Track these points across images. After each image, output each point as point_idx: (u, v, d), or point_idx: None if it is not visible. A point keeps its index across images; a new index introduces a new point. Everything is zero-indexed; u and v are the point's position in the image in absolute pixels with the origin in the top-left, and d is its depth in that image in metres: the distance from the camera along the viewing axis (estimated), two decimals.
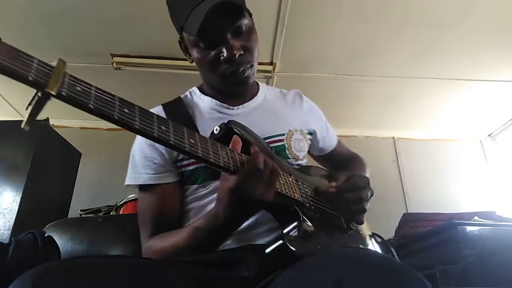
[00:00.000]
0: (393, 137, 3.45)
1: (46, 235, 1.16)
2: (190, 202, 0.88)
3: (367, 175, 1.09)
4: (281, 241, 0.68)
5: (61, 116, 3.07)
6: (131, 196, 2.32)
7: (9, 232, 1.82)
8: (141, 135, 0.54)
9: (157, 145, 0.85)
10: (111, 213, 2.43)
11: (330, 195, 0.86)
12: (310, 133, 1.03)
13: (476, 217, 2.11)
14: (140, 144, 0.89)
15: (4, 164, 1.99)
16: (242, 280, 0.71)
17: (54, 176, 2.29)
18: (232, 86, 0.90)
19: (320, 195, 0.87)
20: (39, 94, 0.45)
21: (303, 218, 0.76)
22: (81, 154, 2.61)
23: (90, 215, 2.54)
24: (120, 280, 0.52)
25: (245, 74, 0.87)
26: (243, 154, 0.67)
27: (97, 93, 0.49)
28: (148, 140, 0.85)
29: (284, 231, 0.75)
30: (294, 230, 0.74)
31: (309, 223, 0.76)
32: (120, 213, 2.31)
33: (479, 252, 1.70)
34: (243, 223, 0.73)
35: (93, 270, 0.52)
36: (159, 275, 0.58)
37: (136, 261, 0.62)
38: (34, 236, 1.10)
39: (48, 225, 1.47)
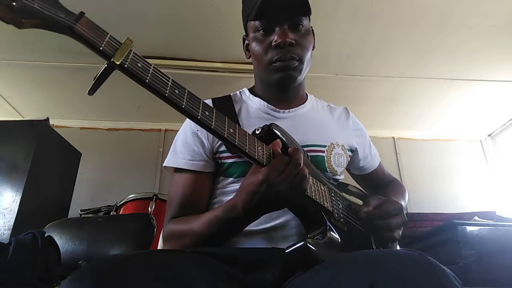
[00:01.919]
0: (393, 137, 3.45)
1: (46, 235, 1.16)
2: (220, 194, 0.89)
3: (406, 201, 1.07)
4: (302, 242, 0.68)
5: (61, 116, 3.07)
6: (131, 196, 2.32)
7: (9, 232, 1.82)
8: (185, 115, 0.59)
9: (200, 134, 0.89)
10: (111, 213, 2.43)
11: (361, 219, 0.85)
12: (351, 150, 1.02)
13: (476, 217, 2.12)
14: (184, 131, 0.93)
15: (4, 164, 1.99)
16: (266, 283, 0.71)
17: (54, 176, 2.29)
18: (277, 75, 0.90)
19: (352, 212, 0.86)
20: (106, 64, 0.52)
21: (329, 226, 0.75)
22: (81, 154, 2.61)
23: (90, 215, 2.54)
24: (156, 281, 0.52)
25: (292, 65, 0.89)
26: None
27: (154, 72, 0.56)
28: (192, 128, 0.89)
29: (308, 236, 0.76)
30: (319, 236, 0.74)
31: (335, 233, 0.75)
32: (120, 213, 2.31)
33: (479, 252, 1.70)
34: (259, 217, 0.74)
35: (147, 268, 0.52)
36: (186, 275, 0.57)
37: (170, 258, 0.61)
38: (34, 236, 1.10)
39: (48, 225, 1.47)
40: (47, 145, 2.19)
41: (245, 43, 1.01)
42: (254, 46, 0.92)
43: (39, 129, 2.13)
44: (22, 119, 2.97)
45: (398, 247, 0.94)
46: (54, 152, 2.29)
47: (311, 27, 0.97)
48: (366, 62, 2.56)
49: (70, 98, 2.87)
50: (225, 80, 2.63)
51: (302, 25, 0.90)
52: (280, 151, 0.69)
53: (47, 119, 2.23)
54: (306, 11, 0.90)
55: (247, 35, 0.98)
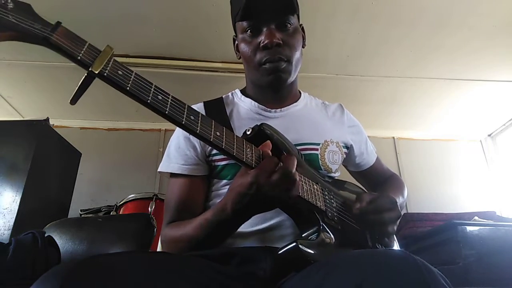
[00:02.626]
0: (393, 137, 3.45)
1: (46, 235, 1.16)
2: (214, 196, 0.89)
3: (404, 196, 1.06)
4: (294, 243, 0.68)
5: (61, 116, 3.07)
6: (131, 196, 2.32)
7: (9, 232, 1.82)
8: (170, 121, 0.58)
9: (192, 138, 0.89)
10: (111, 213, 2.43)
11: (355, 216, 0.85)
12: (347, 147, 1.01)
13: (476, 217, 2.12)
14: (177, 135, 0.94)
15: (4, 164, 1.99)
16: (257, 280, 0.71)
17: (54, 176, 2.29)
18: (267, 77, 0.90)
19: (346, 210, 0.86)
20: (85, 73, 0.51)
21: (323, 226, 0.75)
22: (81, 154, 2.61)
23: (90, 215, 2.54)
24: (142, 281, 0.52)
25: (281, 67, 0.88)
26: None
27: (136, 79, 0.55)
28: (184, 132, 0.88)
29: (302, 235, 0.75)
30: (312, 236, 0.73)
31: (329, 232, 0.75)
32: (120, 213, 2.31)
33: (479, 252, 1.70)
34: (249, 218, 0.73)
35: (118, 270, 0.51)
36: (177, 275, 0.57)
37: (156, 259, 0.61)
38: (34, 236, 1.10)
39: (48, 225, 1.47)
40: (47, 145, 2.19)
41: (235, 44, 1.00)
42: (243, 47, 0.92)
43: (39, 129, 2.13)
44: (22, 119, 2.97)
45: (396, 242, 0.94)
46: (54, 152, 2.29)
47: (301, 24, 0.96)
48: (366, 62, 2.56)
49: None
50: (225, 80, 2.63)
51: (290, 24, 0.89)
52: (269, 152, 0.69)
53: (47, 119, 2.23)
54: (293, 9, 0.90)
55: (236, 35, 0.98)
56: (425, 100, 2.98)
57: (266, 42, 0.86)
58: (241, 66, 2.75)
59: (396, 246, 0.94)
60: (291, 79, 0.94)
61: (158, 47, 2.40)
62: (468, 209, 2.62)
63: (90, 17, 2.09)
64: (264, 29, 0.87)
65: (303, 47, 0.96)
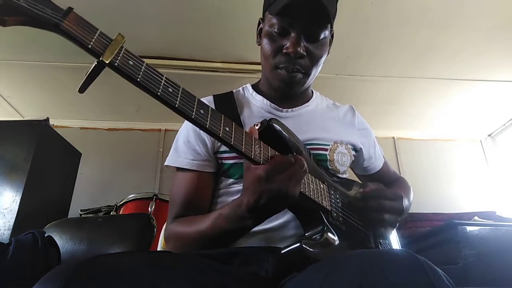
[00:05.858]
0: (393, 137, 3.45)
1: (46, 235, 1.16)
2: (221, 195, 0.88)
3: (410, 199, 1.05)
4: (298, 244, 0.67)
5: (61, 116, 3.07)
6: (131, 196, 2.32)
7: (9, 232, 1.82)
8: (179, 114, 0.57)
9: (202, 133, 0.86)
10: (111, 213, 2.43)
11: (356, 201, 0.84)
12: (356, 150, 0.99)
13: (476, 217, 2.12)
14: (186, 128, 0.91)
15: (4, 164, 1.99)
16: (259, 280, 0.71)
17: (54, 176, 2.29)
18: (279, 82, 0.89)
19: (351, 208, 0.85)
20: (96, 62, 0.51)
21: (327, 226, 0.74)
22: (81, 154, 2.61)
23: (90, 215, 2.54)
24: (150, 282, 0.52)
25: (295, 78, 0.87)
26: (275, 151, 0.68)
27: (146, 70, 0.54)
28: (194, 126, 0.87)
29: (306, 235, 0.75)
30: (316, 236, 0.73)
31: (333, 233, 0.74)
32: (120, 213, 2.31)
33: (479, 252, 1.70)
34: (264, 219, 0.72)
35: (120, 270, 0.51)
36: (179, 274, 0.57)
37: (158, 259, 0.61)
38: (34, 236, 1.11)
39: (48, 225, 1.47)
40: (47, 145, 2.19)
41: (259, 27, 0.95)
42: (265, 42, 0.88)
43: (39, 129, 2.13)
44: (22, 119, 2.97)
45: (398, 243, 0.94)
46: (54, 152, 2.29)
47: (332, 31, 0.91)
48: (366, 62, 2.56)
49: (70, 98, 2.87)
50: (225, 80, 2.63)
51: (320, 36, 0.85)
52: (275, 151, 0.68)
53: (47, 119, 2.23)
54: (327, 21, 0.85)
55: (263, 19, 0.93)
56: (425, 100, 2.98)
57: (289, 50, 0.83)
58: (241, 66, 2.74)
59: (397, 246, 0.94)
60: (303, 88, 0.94)
61: (158, 47, 2.40)
62: (468, 209, 2.62)
63: (89, 16, 2.08)
64: (292, 34, 0.83)
65: (327, 53, 0.93)
